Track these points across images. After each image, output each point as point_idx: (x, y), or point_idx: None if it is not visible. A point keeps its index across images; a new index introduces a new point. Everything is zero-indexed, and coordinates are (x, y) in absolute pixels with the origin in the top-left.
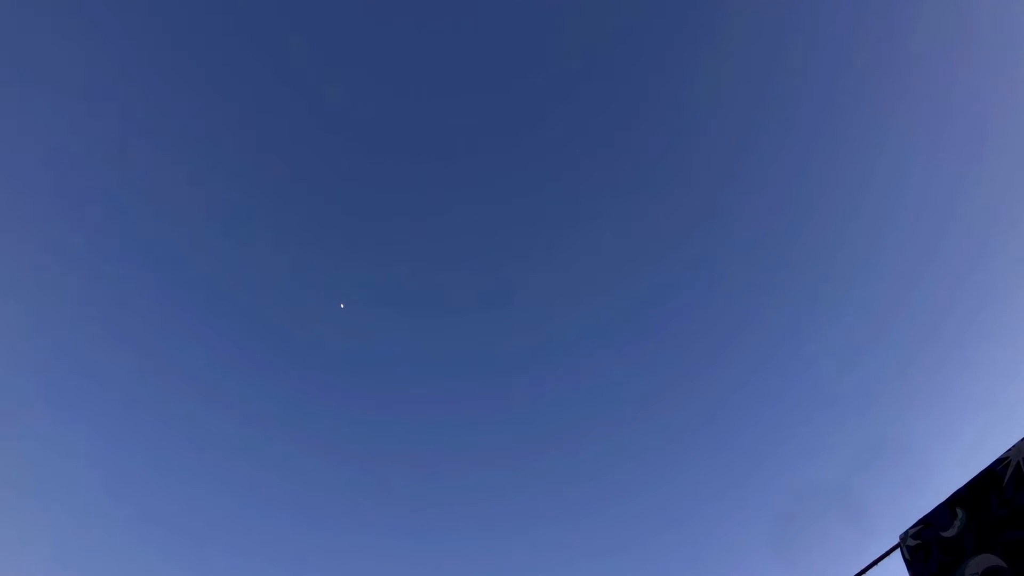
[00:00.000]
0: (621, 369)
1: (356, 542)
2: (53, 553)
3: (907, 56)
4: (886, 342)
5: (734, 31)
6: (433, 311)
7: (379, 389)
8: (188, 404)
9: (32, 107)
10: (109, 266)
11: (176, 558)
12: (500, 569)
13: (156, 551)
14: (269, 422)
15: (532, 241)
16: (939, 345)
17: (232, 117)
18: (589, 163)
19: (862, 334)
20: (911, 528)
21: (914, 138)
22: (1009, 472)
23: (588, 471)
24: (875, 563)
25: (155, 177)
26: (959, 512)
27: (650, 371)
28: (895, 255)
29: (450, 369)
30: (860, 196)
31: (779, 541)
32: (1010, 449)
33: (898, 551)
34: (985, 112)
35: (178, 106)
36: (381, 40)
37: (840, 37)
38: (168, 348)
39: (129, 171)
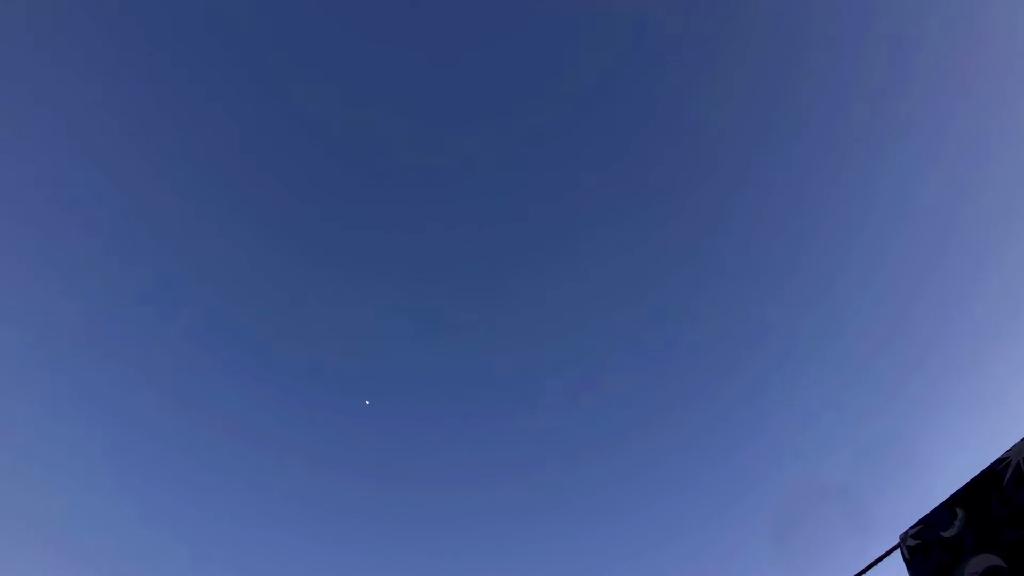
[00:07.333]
0: (623, 371)
1: (359, 549)
2: (52, 554)
3: (912, 65)
4: (887, 344)
5: (742, 42)
6: (439, 323)
7: (385, 402)
8: (187, 410)
9: (30, 110)
10: (110, 269)
11: (175, 561)
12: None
13: (155, 553)
14: (271, 430)
15: (539, 253)
16: (939, 346)
17: (233, 128)
18: (596, 174)
19: (864, 336)
20: (911, 528)
21: (919, 146)
22: (1009, 472)
23: (590, 474)
24: (875, 563)
25: (156, 183)
26: (959, 512)
27: (652, 374)
28: (897, 260)
29: (453, 381)
30: (866, 204)
31: (780, 541)
32: (1010, 449)
33: (898, 551)
34: (990, 120)
35: (180, 113)
36: (387, 47)
37: (848, 48)
38: (170, 355)
39: (129, 176)
